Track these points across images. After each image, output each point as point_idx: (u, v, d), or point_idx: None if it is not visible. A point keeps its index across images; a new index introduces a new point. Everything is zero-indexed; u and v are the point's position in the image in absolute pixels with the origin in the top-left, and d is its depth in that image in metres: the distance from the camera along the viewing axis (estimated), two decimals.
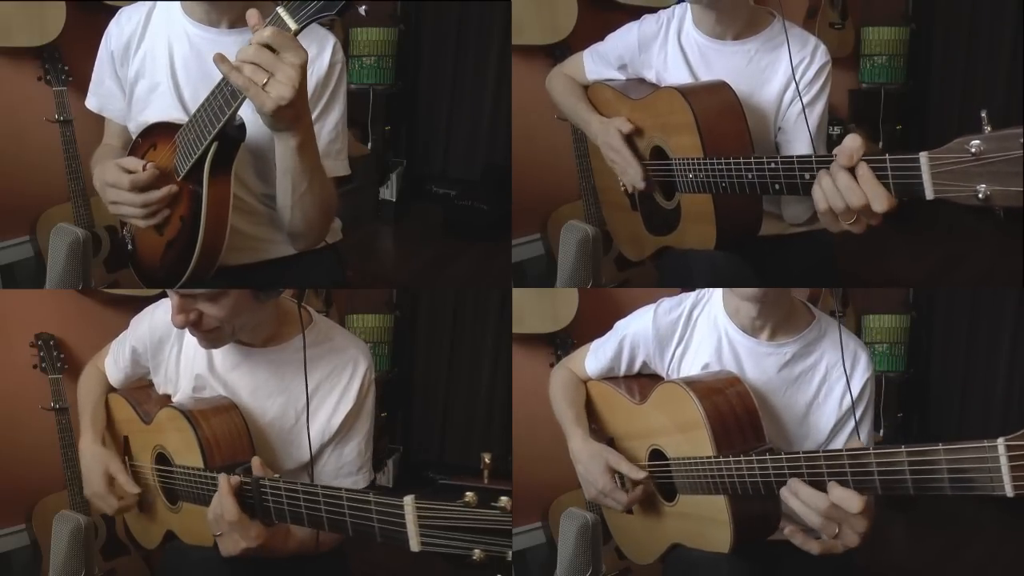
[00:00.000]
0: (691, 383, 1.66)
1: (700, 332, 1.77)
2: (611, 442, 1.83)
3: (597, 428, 1.89)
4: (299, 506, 1.41)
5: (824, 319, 1.73)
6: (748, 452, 1.52)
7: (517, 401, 2.44)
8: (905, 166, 1.29)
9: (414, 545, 1.22)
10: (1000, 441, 1.11)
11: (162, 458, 1.75)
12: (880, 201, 1.33)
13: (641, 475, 1.72)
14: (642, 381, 1.85)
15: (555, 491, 2.45)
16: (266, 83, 1.35)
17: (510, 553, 1.16)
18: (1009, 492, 1.11)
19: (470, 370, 3.09)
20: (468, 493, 1.16)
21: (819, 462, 1.36)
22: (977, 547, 2.63)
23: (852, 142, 1.36)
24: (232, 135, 1.53)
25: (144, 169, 1.57)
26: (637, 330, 1.83)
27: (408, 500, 1.22)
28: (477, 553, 1.16)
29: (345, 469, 1.71)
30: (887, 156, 1.31)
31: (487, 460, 1.22)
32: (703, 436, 1.60)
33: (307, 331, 1.67)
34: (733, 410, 1.61)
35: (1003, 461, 1.10)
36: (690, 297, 1.80)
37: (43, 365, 2.37)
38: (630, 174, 1.87)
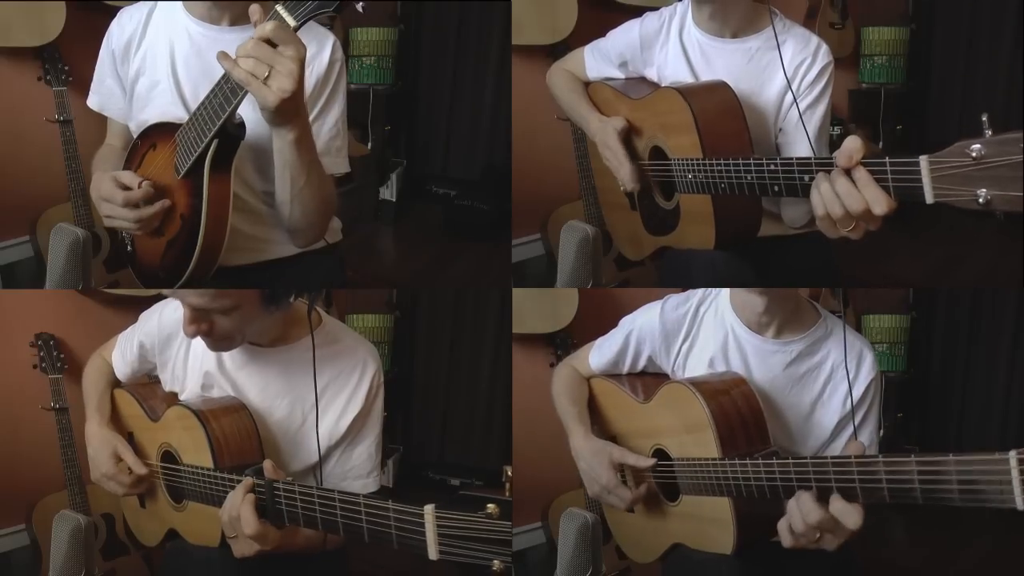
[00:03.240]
0: (697, 384, 1.66)
1: (706, 329, 1.77)
2: (614, 440, 1.83)
3: (600, 426, 1.88)
4: (313, 510, 1.40)
5: (830, 318, 1.73)
6: (754, 455, 1.52)
7: (517, 401, 2.44)
8: (905, 170, 1.27)
9: (432, 554, 1.22)
10: (1012, 454, 1.10)
11: (168, 456, 1.75)
12: (880, 204, 1.31)
13: (649, 463, 1.71)
14: (646, 380, 1.85)
15: (555, 491, 2.45)
16: (267, 77, 1.36)
17: None
18: (1019, 505, 1.10)
19: (470, 370, 3.09)
20: (490, 505, 1.16)
21: (827, 468, 1.35)
22: (977, 547, 2.63)
23: (852, 143, 1.34)
24: (232, 133, 1.53)
25: (140, 186, 1.58)
26: (643, 325, 1.83)
27: (428, 509, 1.22)
28: (496, 564, 1.15)
29: (354, 472, 1.71)
30: (887, 159, 1.30)
31: (509, 473, 1.22)
32: (708, 437, 1.60)
33: (316, 332, 1.67)
34: (739, 411, 1.62)
35: (1015, 474, 1.09)
36: (697, 294, 1.80)
37: (43, 365, 2.37)
38: (622, 174, 1.87)
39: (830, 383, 1.69)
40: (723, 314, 1.75)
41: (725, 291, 1.76)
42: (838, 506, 1.33)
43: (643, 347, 1.84)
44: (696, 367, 1.77)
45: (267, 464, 1.54)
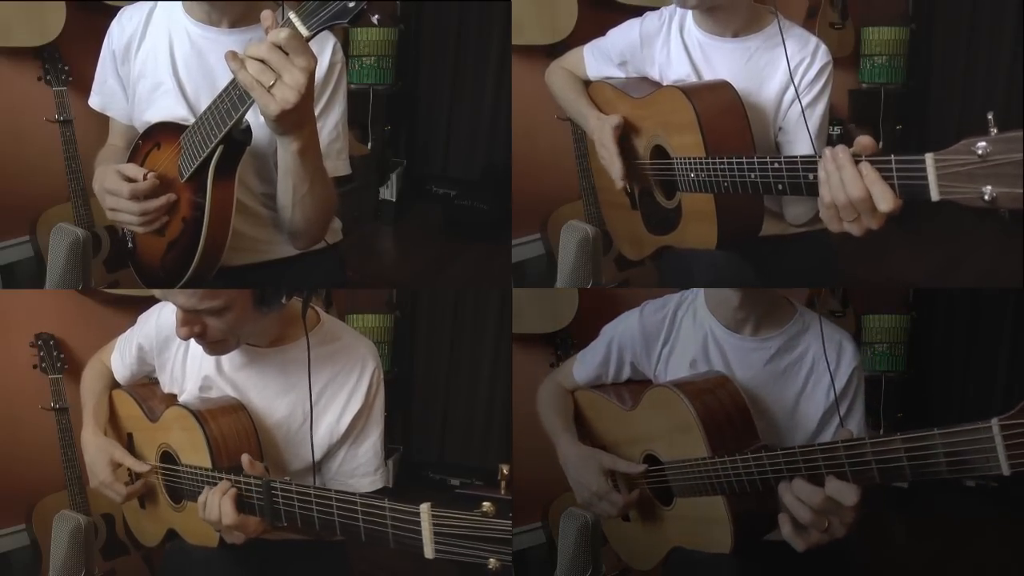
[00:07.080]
0: (680, 385, 1.66)
1: (686, 332, 1.78)
2: (603, 450, 1.82)
3: (588, 439, 1.88)
4: (311, 510, 1.41)
5: (807, 312, 1.74)
6: (743, 450, 1.52)
7: (517, 401, 2.44)
8: (910, 167, 1.27)
9: (428, 552, 1.23)
10: (994, 421, 1.12)
11: (167, 457, 1.75)
12: (886, 201, 1.30)
13: (640, 469, 1.72)
14: (631, 387, 1.86)
15: (555, 491, 2.45)
16: (272, 85, 1.34)
17: None
18: (1006, 471, 1.12)
19: (470, 370, 3.09)
20: (486, 503, 1.17)
21: (815, 456, 1.36)
22: (977, 546, 2.63)
23: (865, 139, 1.34)
24: (238, 139, 1.53)
25: (145, 178, 1.57)
26: (623, 331, 1.84)
27: (424, 508, 1.22)
28: (492, 563, 1.16)
29: (362, 469, 1.71)
30: (892, 157, 1.29)
31: (505, 471, 1.22)
32: (696, 437, 1.60)
33: (314, 331, 1.67)
34: (724, 409, 1.62)
35: (998, 441, 1.12)
36: (674, 298, 1.82)
37: (43, 365, 2.37)
38: (612, 171, 1.87)
39: (812, 376, 1.70)
40: (701, 316, 1.76)
41: (701, 293, 1.76)
42: (833, 485, 1.32)
43: (625, 354, 1.85)
44: (677, 370, 1.77)
45: (244, 459, 1.53)
